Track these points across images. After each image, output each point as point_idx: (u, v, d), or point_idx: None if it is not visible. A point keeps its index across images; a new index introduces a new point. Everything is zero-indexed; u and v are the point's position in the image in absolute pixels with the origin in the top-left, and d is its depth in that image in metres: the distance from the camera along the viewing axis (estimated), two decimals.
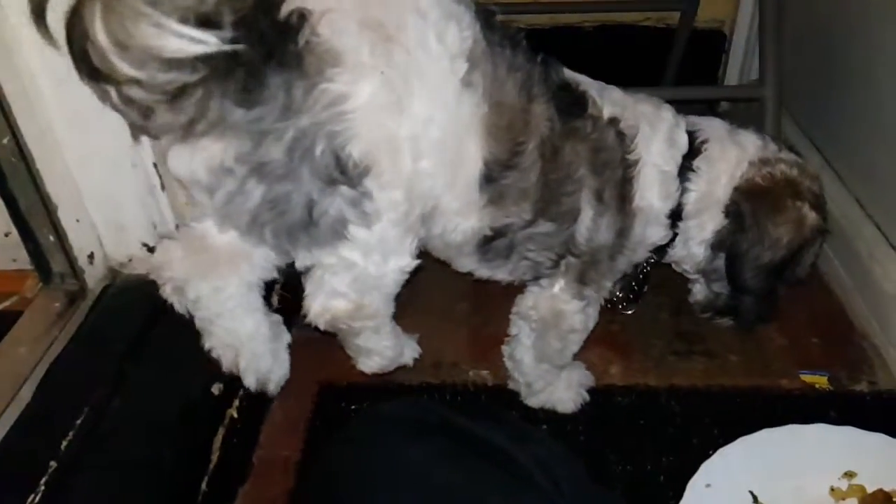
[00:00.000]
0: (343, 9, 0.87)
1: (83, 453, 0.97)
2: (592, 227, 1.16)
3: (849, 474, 1.16)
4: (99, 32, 0.74)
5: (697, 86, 2.25)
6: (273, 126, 0.85)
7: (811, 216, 1.20)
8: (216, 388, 1.11)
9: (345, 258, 1.00)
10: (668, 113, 1.22)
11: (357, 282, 1.04)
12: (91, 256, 1.24)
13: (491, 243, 1.14)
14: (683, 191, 1.20)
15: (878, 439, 1.17)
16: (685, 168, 1.20)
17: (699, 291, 1.38)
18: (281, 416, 1.42)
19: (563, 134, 1.10)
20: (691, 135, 1.22)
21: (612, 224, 1.17)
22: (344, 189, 0.91)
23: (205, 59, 0.77)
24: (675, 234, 1.25)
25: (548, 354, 1.32)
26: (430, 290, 1.61)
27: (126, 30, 0.73)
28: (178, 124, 0.84)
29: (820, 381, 1.44)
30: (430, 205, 1.05)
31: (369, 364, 1.25)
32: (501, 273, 1.25)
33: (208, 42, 0.74)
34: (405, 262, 1.05)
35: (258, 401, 1.34)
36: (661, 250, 1.28)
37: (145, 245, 1.24)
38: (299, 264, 1.04)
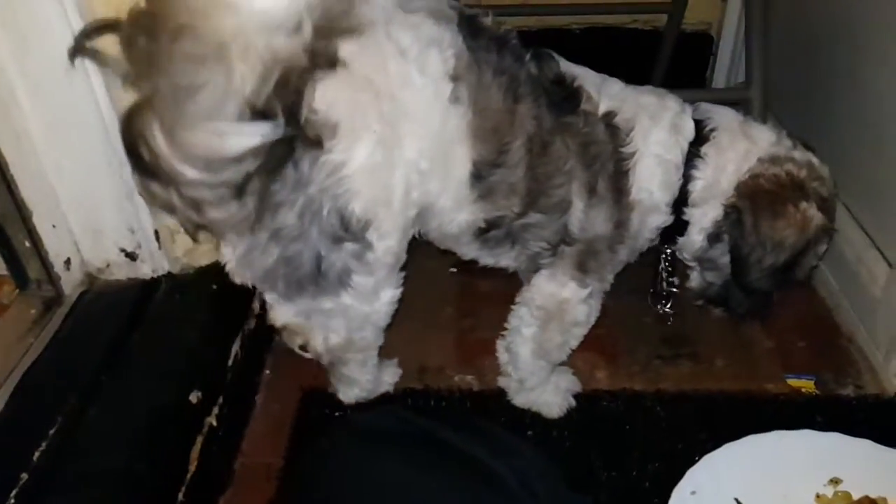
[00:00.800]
0: (335, 76, 0.89)
1: (56, 464, 0.95)
2: (584, 219, 1.18)
3: (834, 481, 1.15)
4: (159, 142, 0.76)
5: (684, 88, 2.24)
6: (288, 197, 0.95)
7: (816, 217, 1.17)
8: (194, 397, 1.09)
9: (343, 303, 1.09)
10: (672, 102, 1.21)
11: (352, 320, 1.14)
12: (68, 262, 1.22)
13: (488, 233, 1.19)
14: (689, 178, 1.19)
15: (863, 446, 1.16)
16: (692, 155, 1.19)
17: (694, 279, 1.36)
18: (264, 423, 1.40)
19: (553, 129, 1.13)
20: (700, 123, 1.20)
21: (609, 216, 1.18)
22: (348, 245, 1.02)
23: (259, 150, 0.80)
24: (686, 222, 1.24)
25: (547, 349, 1.31)
26: (415, 295, 1.59)
27: (186, 139, 0.76)
28: (242, 215, 0.87)
29: (806, 385, 1.44)
30: (425, 206, 1.11)
31: (349, 394, 1.34)
32: (505, 260, 1.29)
33: (266, 133, 0.78)
34: (393, 293, 1.15)
35: (240, 407, 1.33)
36: (671, 237, 1.27)
37: (123, 250, 1.22)
38: (298, 310, 1.12)
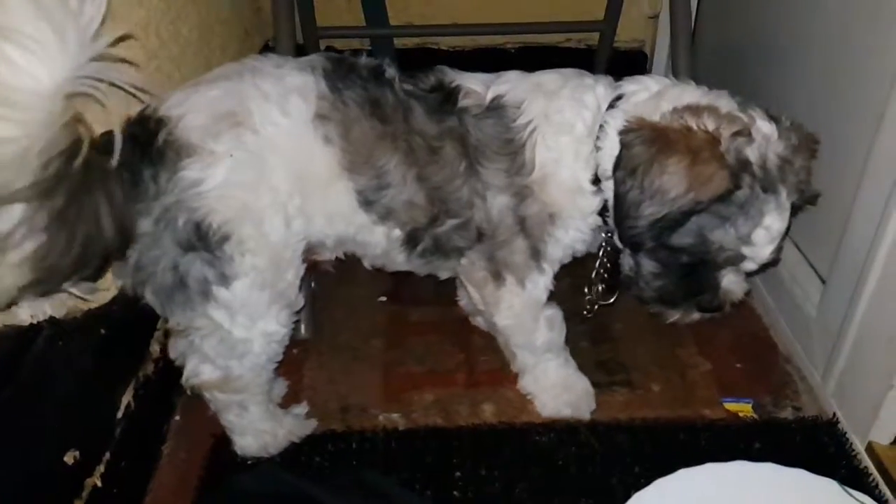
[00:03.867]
0: (197, 109, 1.05)
1: None
2: (487, 210, 1.18)
3: None
4: None
5: None
6: (146, 207, 1.03)
7: (717, 177, 1.01)
8: (70, 457, 0.98)
9: (213, 319, 1.11)
10: (577, 79, 1.19)
11: (224, 344, 1.14)
12: None
13: (416, 248, 1.22)
14: (598, 150, 1.13)
15: (797, 475, 1.11)
16: (600, 127, 1.14)
17: (625, 263, 1.23)
18: (170, 473, 1.29)
19: (439, 135, 1.14)
20: (619, 93, 1.15)
21: (508, 204, 1.17)
22: (203, 253, 1.06)
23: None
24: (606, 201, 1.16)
25: (505, 336, 1.36)
26: (340, 325, 1.52)
27: None
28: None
29: (744, 409, 1.39)
30: (331, 237, 1.19)
31: (243, 445, 1.28)
32: (444, 272, 1.33)
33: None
34: (272, 328, 1.16)
35: (140, 461, 1.22)
36: (606, 223, 1.20)
37: None
38: (172, 322, 1.16)
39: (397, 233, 1.20)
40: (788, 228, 1.11)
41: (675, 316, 1.21)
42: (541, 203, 1.17)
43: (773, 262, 1.15)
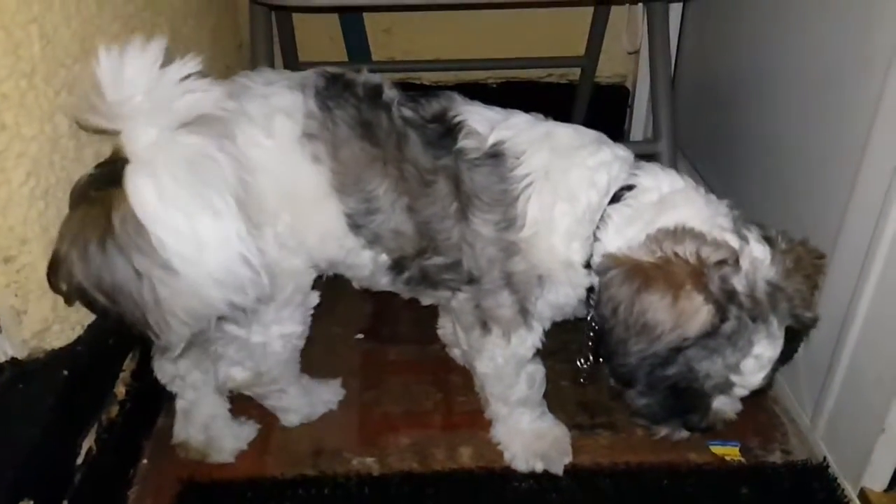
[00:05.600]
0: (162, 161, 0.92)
1: None
2: (476, 258, 1.12)
3: None
4: None
5: None
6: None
7: (704, 311, 0.95)
8: None
9: (226, 332, 1.15)
10: (594, 146, 1.09)
11: (245, 350, 1.19)
12: None
13: (401, 273, 1.18)
14: (595, 239, 1.07)
15: None
16: (604, 215, 1.06)
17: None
18: None
19: (434, 169, 1.09)
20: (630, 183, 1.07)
21: (496, 258, 1.11)
22: None
23: None
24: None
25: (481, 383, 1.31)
26: (316, 364, 1.47)
27: None
28: None
29: (731, 452, 1.34)
30: (324, 259, 1.18)
31: (289, 419, 1.38)
32: (429, 299, 1.30)
33: None
34: (288, 329, 1.20)
35: None
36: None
37: None
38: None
39: (384, 258, 1.17)
40: (786, 354, 1.03)
41: (662, 432, 1.13)
42: (529, 263, 1.10)
43: (766, 388, 1.07)
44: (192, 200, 0.90)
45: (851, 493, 1.24)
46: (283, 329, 1.19)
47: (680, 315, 0.95)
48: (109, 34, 1.19)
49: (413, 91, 1.17)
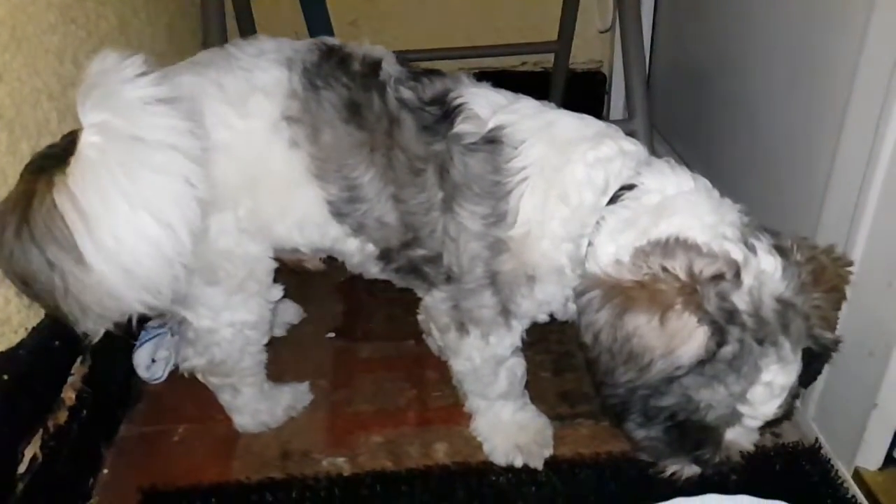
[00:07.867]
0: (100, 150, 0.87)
1: None
2: (458, 255, 1.04)
3: None
4: None
5: None
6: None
7: (698, 333, 0.84)
8: None
9: (175, 311, 1.11)
10: (597, 139, 0.99)
11: (196, 334, 1.15)
12: None
13: (390, 262, 1.13)
14: (589, 244, 0.97)
15: None
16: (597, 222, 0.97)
17: None
18: None
19: (425, 156, 1.02)
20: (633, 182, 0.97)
21: (480, 255, 1.03)
22: None
23: None
24: None
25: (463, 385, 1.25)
26: (284, 365, 1.41)
27: None
28: None
29: None
30: (304, 244, 1.13)
31: (241, 422, 1.31)
32: (419, 290, 1.22)
33: None
34: (240, 317, 1.14)
35: None
36: None
37: None
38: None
39: (371, 248, 1.12)
40: (804, 379, 0.90)
41: (670, 469, 1.01)
42: (518, 262, 1.01)
43: (784, 417, 0.95)
44: (119, 195, 0.86)
45: (846, 473, 1.19)
46: (234, 316, 1.13)
47: (671, 339, 0.84)
48: (44, 23, 1.13)
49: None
